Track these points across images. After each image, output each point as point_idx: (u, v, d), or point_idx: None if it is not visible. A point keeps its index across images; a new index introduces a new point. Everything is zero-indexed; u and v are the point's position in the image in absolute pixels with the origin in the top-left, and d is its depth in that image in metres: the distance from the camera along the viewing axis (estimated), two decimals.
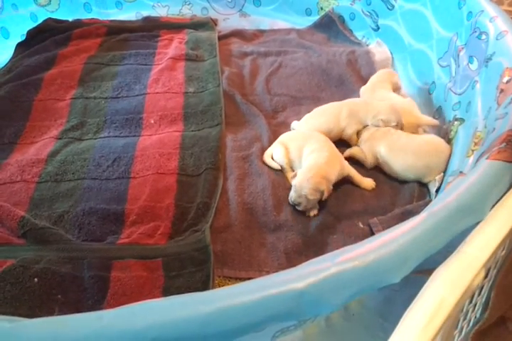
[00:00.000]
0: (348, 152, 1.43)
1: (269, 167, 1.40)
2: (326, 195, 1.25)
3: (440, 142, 1.36)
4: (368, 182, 1.35)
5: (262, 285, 0.60)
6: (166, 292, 1.05)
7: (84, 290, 1.05)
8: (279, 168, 1.40)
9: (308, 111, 1.55)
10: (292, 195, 1.26)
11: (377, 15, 1.97)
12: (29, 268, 1.04)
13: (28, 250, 1.12)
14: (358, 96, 1.65)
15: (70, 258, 1.10)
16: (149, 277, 1.07)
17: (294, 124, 1.55)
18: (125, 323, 0.56)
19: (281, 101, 1.70)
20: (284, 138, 1.45)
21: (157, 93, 1.71)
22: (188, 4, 2.28)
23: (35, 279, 1.02)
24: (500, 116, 1.01)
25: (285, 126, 1.57)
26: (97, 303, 1.02)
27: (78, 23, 2.13)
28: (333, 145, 1.38)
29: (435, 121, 1.47)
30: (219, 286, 1.10)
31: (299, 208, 1.26)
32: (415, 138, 1.38)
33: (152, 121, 1.58)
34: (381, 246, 0.64)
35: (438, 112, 1.54)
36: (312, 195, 1.23)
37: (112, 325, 0.56)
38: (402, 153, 1.34)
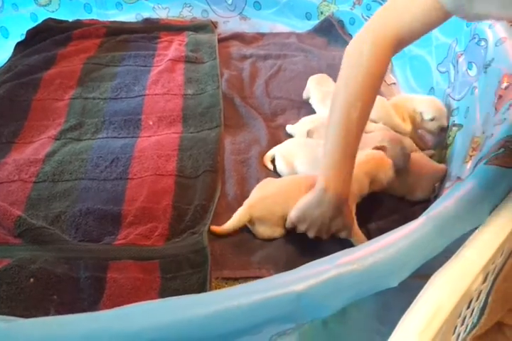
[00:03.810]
0: None
1: (268, 170, 1.39)
2: None
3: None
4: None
5: (260, 287, 0.59)
6: (163, 294, 1.04)
7: (80, 290, 1.04)
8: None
9: (307, 115, 1.55)
10: None
11: None
12: (25, 268, 1.03)
13: (25, 250, 1.12)
14: None
15: (67, 259, 1.10)
16: (146, 278, 1.07)
17: (289, 128, 1.54)
18: (121, 325, 0.55)
19: (280, 104, 1.70)
20: (284, 151, 1.39)
21: (156, 94, 1.70)
22: (189, 6, 2.28)
23: (31, 279, 1.01)
24: (499, 122, 1.01)
25: (283, 130, 1.56)
26: (92, 304, 1.02)
27: (78, 24, 2.13)
28: None
29: None
30: (216, 288, 1.09)
31: None
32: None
33: (151, 123, 1.57)
34: (380, 250, 0.64)
35: None
36: None
37: (108, 326, 0.55)
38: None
